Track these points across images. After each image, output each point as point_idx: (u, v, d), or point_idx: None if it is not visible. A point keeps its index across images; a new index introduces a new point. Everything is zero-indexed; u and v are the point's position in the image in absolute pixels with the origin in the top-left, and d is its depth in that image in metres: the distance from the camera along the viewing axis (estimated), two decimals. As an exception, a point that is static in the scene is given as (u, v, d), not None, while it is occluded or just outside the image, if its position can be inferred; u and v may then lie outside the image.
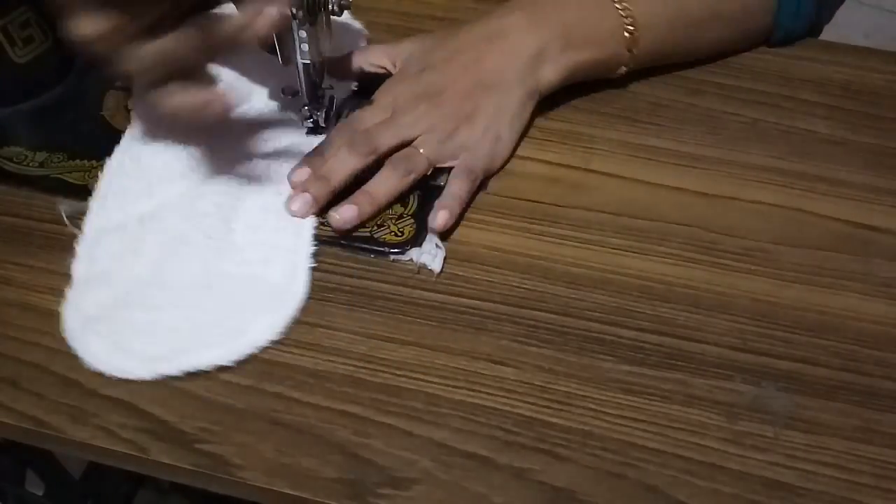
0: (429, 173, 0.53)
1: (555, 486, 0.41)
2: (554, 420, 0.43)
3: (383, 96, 0.55)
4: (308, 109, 0.56)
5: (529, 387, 0.44)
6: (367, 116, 0.54)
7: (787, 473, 0.41)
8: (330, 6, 0.49)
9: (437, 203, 0.51)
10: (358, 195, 0.51)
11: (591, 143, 0.58)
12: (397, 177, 0.51)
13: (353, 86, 0.60)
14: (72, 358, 0.45)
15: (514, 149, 0.56)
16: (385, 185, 0.51)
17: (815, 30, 0.68)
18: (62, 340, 0.46)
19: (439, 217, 0.50)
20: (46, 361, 0.45)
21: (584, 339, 0.47)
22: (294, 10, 0.48)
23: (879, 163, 0.57)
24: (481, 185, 0.55)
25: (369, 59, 0.59)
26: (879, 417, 0.43)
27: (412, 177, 0.52)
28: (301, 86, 0.54)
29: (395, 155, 0.52)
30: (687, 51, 0.62)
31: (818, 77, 0.64)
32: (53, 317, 0.47)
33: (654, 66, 0.61)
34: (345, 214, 0.50)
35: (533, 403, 0.44)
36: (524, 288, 0.49)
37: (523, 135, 0.57)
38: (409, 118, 0.53)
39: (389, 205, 0.52)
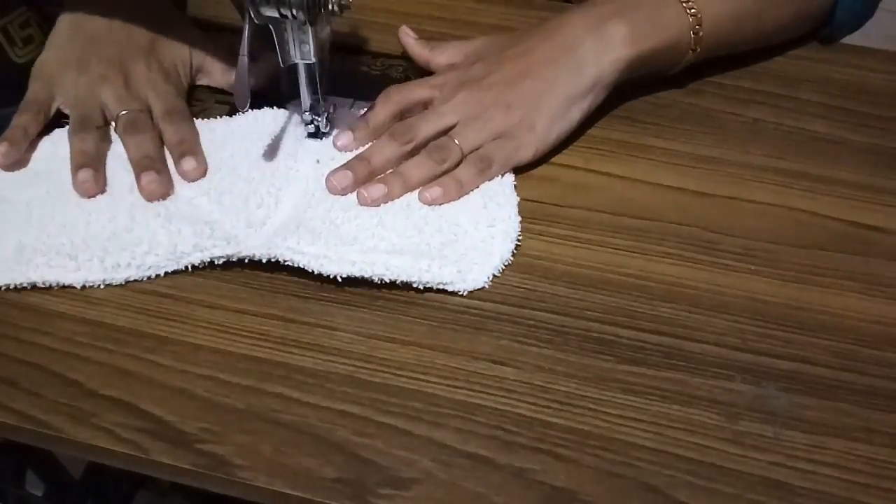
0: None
1: (555, 486, 0.41)
2: (554, 420, 0.43)
3: (435, 78, 0.57)
4: (309, 112, 0.56)
5: (529, 387, 0.44)
6: (414, 89, 0.56)
7: (787, 473, 0.41)
8: (330, 6, 0.49)
9: (435, 182, 0.52)
10: (390, 176, 0.52)
11: (591, 144, 0.58)
12: (431, 164, 0.52)
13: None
14: (72, 358, 0.45)
15: (551, 146, 0.56)
16: (418, 170, 0.52)
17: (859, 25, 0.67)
18: (62, 340, 0.46)
19: (431, 191, 0.52)
20: (46, 361, 0.45)
21: (584, 339, 0.47)
22: (294, 11, 0.48)
23: (879, 163, 0.57)
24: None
25: (446, 55, 0.60)
26: (879, 417, 0.43)
27: (445, 165, 0.53)
28: (301, 87, 0.54)
29: (432, 143, 0.53)
30: (749, 36, 0.61)
31: (818, 77, 0.64)
32: (53, 317, 0.47)
33: (719, 52, 0.61)
34: (374, 193, 0.51)
35: (533, 403, 0.44)
36: (524, 288, 0.49)
37: (571, 141, 0.57)
38: (448, 106, 0.54)
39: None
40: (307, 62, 0.52)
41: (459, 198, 0.52)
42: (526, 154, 0.54)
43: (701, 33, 0.57)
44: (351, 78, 0.61)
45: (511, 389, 0.44)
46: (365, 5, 0.67)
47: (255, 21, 0.50)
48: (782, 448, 0.42)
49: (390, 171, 0.53)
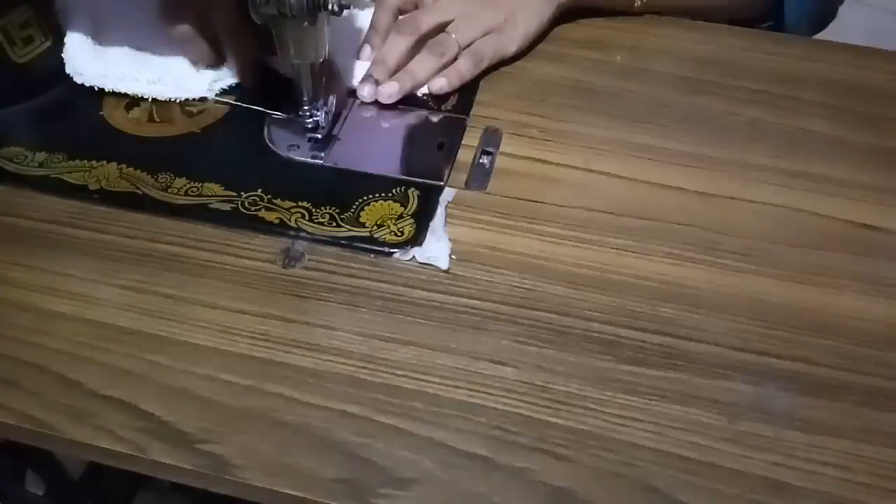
0: (458, 54, 0.61)
1: (555, 486, 0.41)
2: (554, 420, 0.43)
3: None
4: (308, 109, 0.56)
5: (529, 387, 0.44)
6: None
7: (787, 473, 0.41)
8: (330, 6, 0.49)
9: (440, 74, 0.60)
10: (401, 74, 0.59)
11: (591, 143, 0.58)
12: (433, 59, 0.60)
13: (354, 84, 0.60)
14: (72, 358, 0.45)
15: (530, 41, 0.64)
16: (423, 65, 0.60)
17: (827, 14, 0.72)
18: (62, 340, 0.46)
19: (436, 82, 0.59)
20: (46, 361, 0.45)
21: (584, 339, 0.47)
22: (294, 11, 0.48)
23: (879, 163, 0.57)
24: (480, 187, 0.55)
25: None
26: (879, 417, 0.43)
27: (445, 58, 0.60)
28: (301, 85, 0.54)
29: (430, 41, 0.61)
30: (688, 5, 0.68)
31: (818, 77, 0.64)
32: (53, 317, 0.47)
33: (663, 11, 0.68)
34: (389, 89, 0.59)
35: (533, 403, 0.44)
36: (524, 288, 0.49)
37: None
38: (444, 2, 0.62)
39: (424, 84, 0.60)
40: (307, 62, 0.52)
41: (460, 85, 0.60)
42: (511, 48, 0.63)
43: None
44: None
45: (511, 389, 0.44)
46: (364, 5, 0.67)
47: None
48: (782, 448, 0.42)
49: (402, 70, 0.60)
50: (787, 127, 0.60)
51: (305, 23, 0.49)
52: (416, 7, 0.63)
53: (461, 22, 0.61)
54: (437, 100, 0.60)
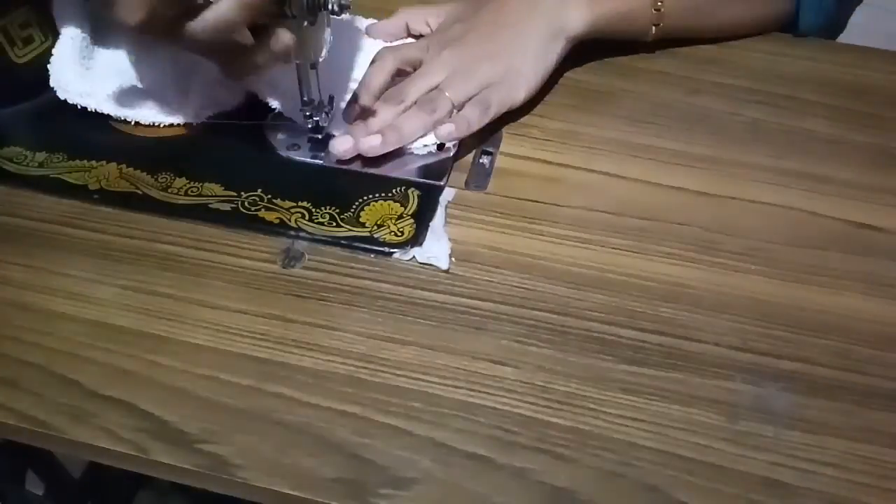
0: (455, 111, 0.57)
1: (555, 486, 0.41)
2: (554, 420, 0.43)
3: (421, 41, 0.61)
4: (308, 108, 0.56)
5: (529, 387, 0.44)
6: (406, 50, 0.60)
7: (787, 473, 0.41)
8: (330, 6, 0.49)
9: (448, 120, 0.56)
10: (387, 129, 0.56)
11: (591, 143, 0.58)
12: (422, 115, 0.56)
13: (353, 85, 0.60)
14: (72, 358, 0.45)
15: (538, 87, 0.59)
16: (411, 122, 0.56)
17: (836, 28, 0.70)
18: (62, 340, 0.46)
19: (443, 129, 0.56)
20: (46, 361, 0.45)
21: (584, 339, 0.47)
22: (294, 11, 0.48)
23: (879, 163, 0.57)
24: (480, 187, 0.55)
25: (408, 21, 0.64)
26: (879, 417, 0.43)
27: (436, 115, 0.56)
28: (301, 85, 0.54)
29: (423, 97, 0.57)
30: (710, 24, 0.65)
31: (818, 77, 0.64)
32: (53, 317, 0.47)
33: (681, 39, 0.64)
34: (372, 141, 0.55)
35: (533, 403, 0.44)
36: (524, 288, 0.49)
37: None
38: (434, 65, 0.58)
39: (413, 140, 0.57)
40: (307, 62, 0.52)
41: (469, 134, 0.57)
42: (518, 95, 0.58)
43: (662, 9, 0.61)
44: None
45: (511, 389, 0.44)
46: (364, 5, 0.67)
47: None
48: (782, 448, 0.42)
49: (388, 125, 0.56)
50: (787, 127, 0.60)
51: (305, 23, 0.49)
52: (414, 68, 0.59)
53: (454, 78, 0.57)
54: None
